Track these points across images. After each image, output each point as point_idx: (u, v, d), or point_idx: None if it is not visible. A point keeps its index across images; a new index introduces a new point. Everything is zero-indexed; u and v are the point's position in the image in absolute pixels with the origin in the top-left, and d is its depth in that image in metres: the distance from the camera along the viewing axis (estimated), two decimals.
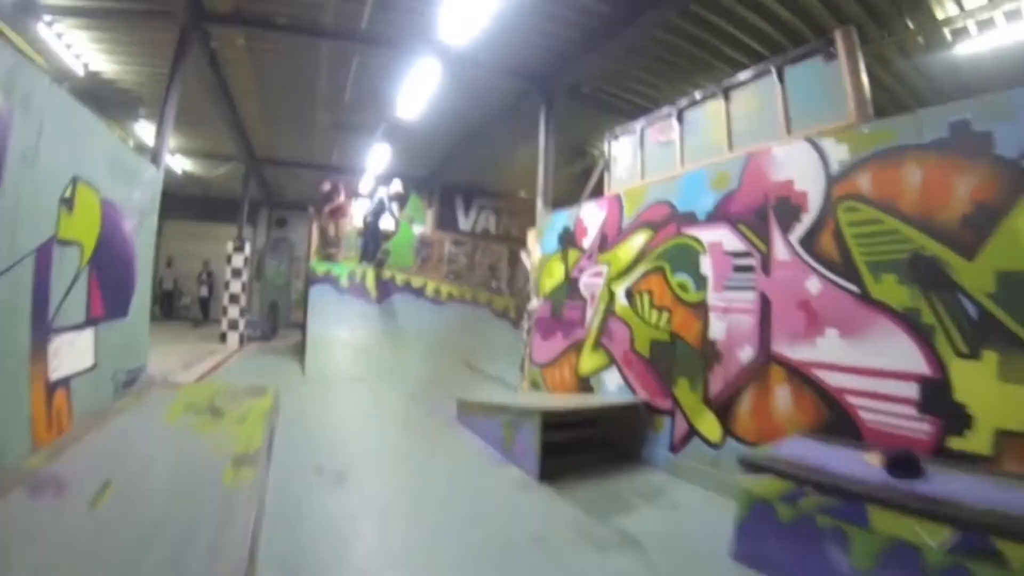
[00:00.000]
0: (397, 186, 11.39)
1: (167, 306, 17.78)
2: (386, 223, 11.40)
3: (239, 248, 13.15)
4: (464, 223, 16.00)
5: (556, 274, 7.13)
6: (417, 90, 7.61)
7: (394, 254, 11.69)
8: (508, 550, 3.21)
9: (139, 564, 1.87)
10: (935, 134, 3.45)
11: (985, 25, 6.06)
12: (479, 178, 14.77)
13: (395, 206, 11.27)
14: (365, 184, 13.32)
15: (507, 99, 9.44)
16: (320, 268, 10.92)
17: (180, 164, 14.25)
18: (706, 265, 4.92)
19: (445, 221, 15.55)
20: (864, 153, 3.84)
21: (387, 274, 11.34)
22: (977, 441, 3.05)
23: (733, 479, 3.47)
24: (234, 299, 12.86)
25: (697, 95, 5.95)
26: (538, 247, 7.69)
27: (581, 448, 5.21)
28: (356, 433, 6.05)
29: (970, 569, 2.29)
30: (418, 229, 13.95)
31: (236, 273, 13.03)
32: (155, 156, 6.27)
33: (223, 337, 12.65)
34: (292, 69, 8.71)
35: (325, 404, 7.29)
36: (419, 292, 11.75)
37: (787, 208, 4.29)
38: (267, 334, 14.99)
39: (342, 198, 11.79)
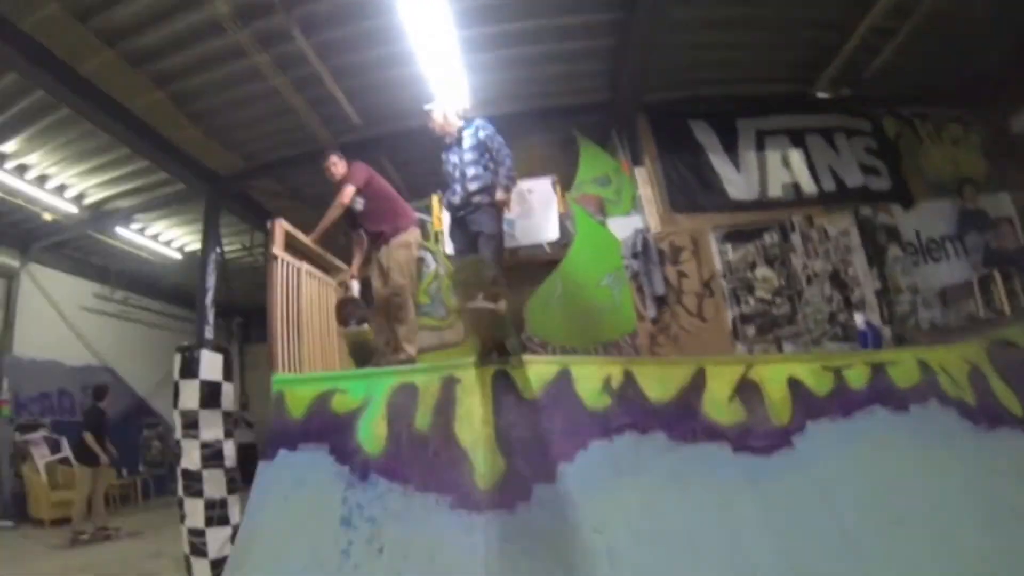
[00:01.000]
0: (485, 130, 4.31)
1: None
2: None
3: None
4: (741, 183, 6.04)
5: None
6: None
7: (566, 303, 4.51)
8: None
9: None
10: None
11: None
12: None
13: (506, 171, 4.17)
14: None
15: None
16: (303, 390, 3.42)
17: None
18: None
19: (685, 191, 6.07)
20: None
21: (534, 375, 3.03)
22: None
23: None
24: None
25: None
26: None
27: None
28: None
29: None
30: (623, 225, 5.74)
31: None
32: None
33: None
34: None
35: None
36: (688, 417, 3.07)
37: None
38: None
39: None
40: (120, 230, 8.67)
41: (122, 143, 6.30)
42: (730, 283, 5.32)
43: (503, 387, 3.08)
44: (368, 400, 3.34)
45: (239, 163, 7.05)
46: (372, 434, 3.13)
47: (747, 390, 2.98)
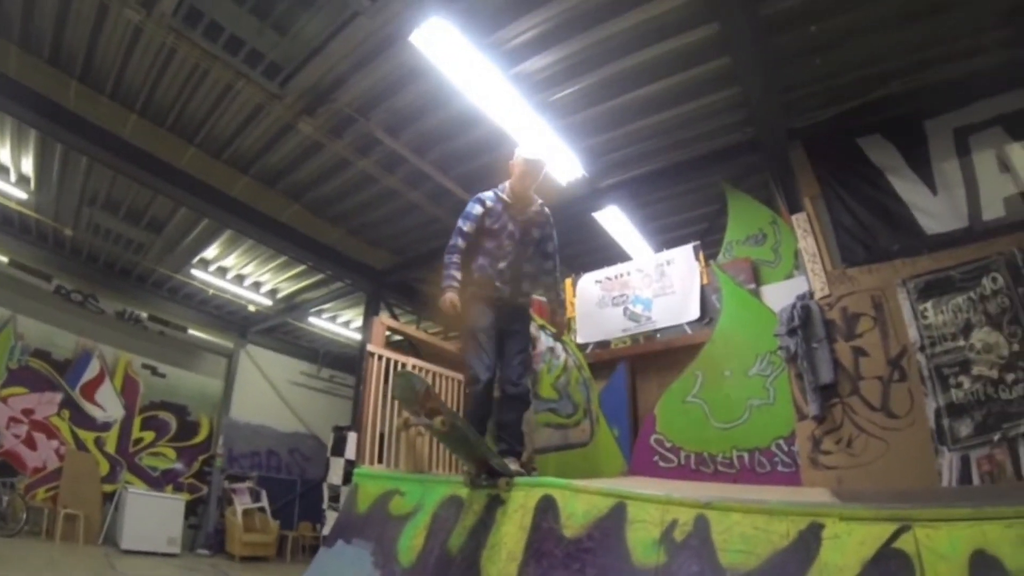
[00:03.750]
0: (532, 156, 3.59)
1: None
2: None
3: None
4: (941, 210, 4.22)
5: None
6: None
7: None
8: None
9: None
10: None
11: None
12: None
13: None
14: None
15: None
16: (372, 486, 3.39)
17: None
18: None
19: (860, 236, 4.40)
20: None
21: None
22: None
23: None
24: None
25: None
26: None
27: None
28: None
29: None
30: (785, 291, 4.52)
31: None
32: None
33: None
34: None
35: None
36: None
37: None
38: None
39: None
40: (313, 319, 10.38)
41: (279, 251, 7.57)
42: (932, 359, 3.79)
43: (547, 516, 2.58)
44: (419, 507, 3.12)
45: (390, 258, 7.81)
46: (410, 544, 2.93)
47: (887, 567, 1.92)
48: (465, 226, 3.46)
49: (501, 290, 3.44)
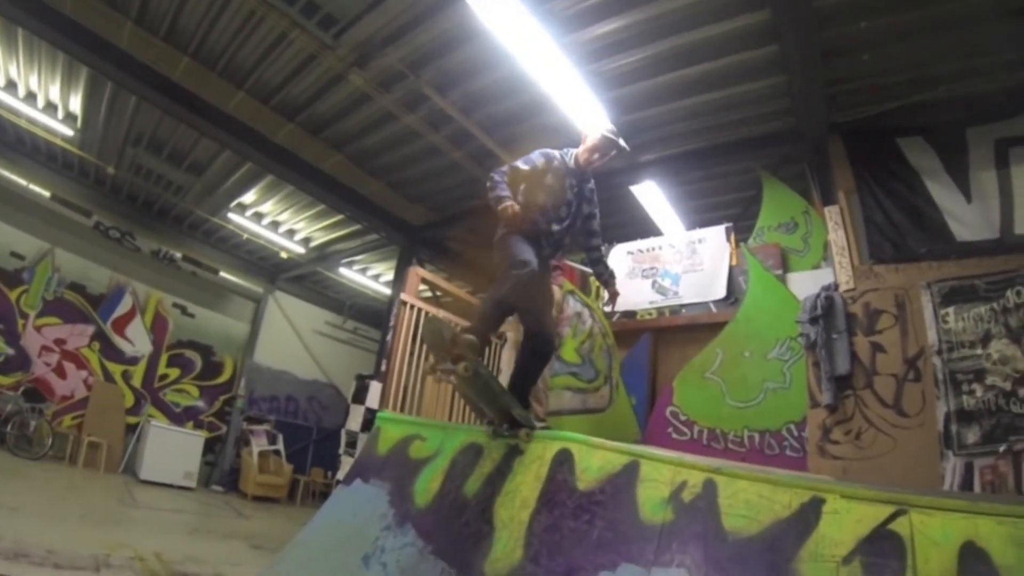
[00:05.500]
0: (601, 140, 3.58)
1: None
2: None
3: None
4: (974, 218, 4.27)
5: None
6: None
7: None
8: None
9: None
10: None
11: None
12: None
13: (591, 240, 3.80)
14: None
15: None
16: (394, 430, 3.56)
17: None
18: None
19: (891, 234, 4.49)
20: None
21: None
22: None
23: None
24: None
25: None
26: None
27: None
28: None
29: None
30: (810, 281, 4.60)
31: None
32: None
33: None
34: None
35: None
36: None
37: None
38: None
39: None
40: (343, 270, 10.54)
41: (318, 200, 7.65)
42: (948, 363, 3.84)
43: (563, 468, 2.75)
44: (439, 451, 3.31)
45: (427, 215, 7.88)
46: (427, 486, 3.11)
47: (880, 547, 2.05)
48: (521, 164, 3.40)
49: (543, 248, 3.44)
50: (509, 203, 3.11)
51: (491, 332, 3.20)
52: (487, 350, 4.88)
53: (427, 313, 4.24)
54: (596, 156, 3.56)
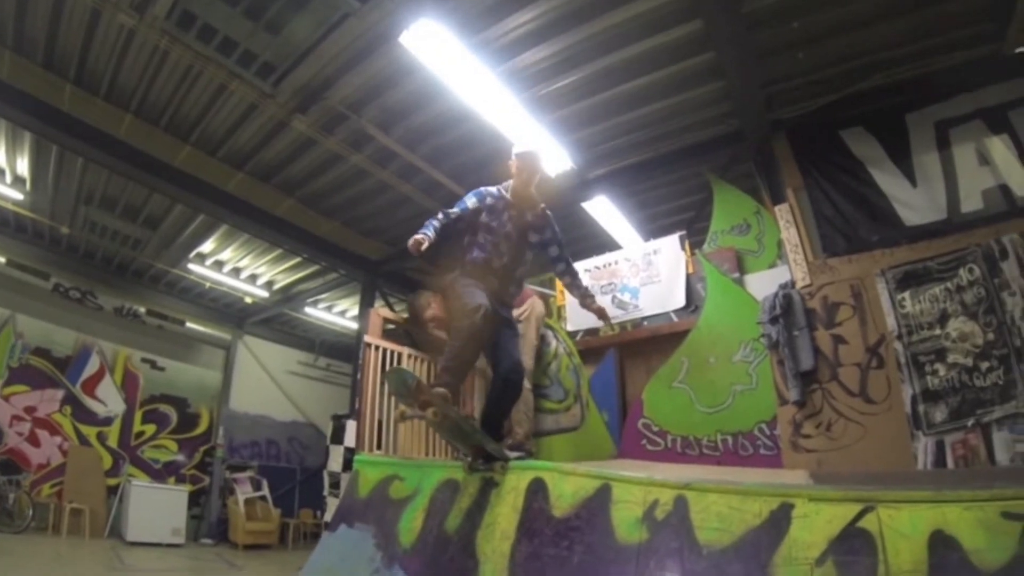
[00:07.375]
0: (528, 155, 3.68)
1: None
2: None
3: None
4: (920, 202, 4.47)
5: None
6: None
7: None
8: None
9: None
10: None
11: None
12: None
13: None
14: None
15: None
16: (372, 472, 3.54)
17: None
18: None
19: (841, 227, 4.70)
20: None
21: None
22: None
23: None
24: None
25: None
26: None
27: None
28: None
29: None
30: (768, 280, 4.67)
31: None
32: None
33: None
34: None
35: None
36: None
37: None
38: None
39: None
40: (309, 309, 10.48)
41: (276, 244, 7.74)
42: (909, 347, 3.94)
43: (538, 497, 2.74)
44: (418, 490, 3.28)
45: (385, 249, 7.93)
46: (410, 526, 3.09)
47: (851, 545, 2.07)
48: (452, 209, 3.44)
49: (492, 283, 3.45)
50: (413, 239, 3.16)
51: (461, 381, 3.21)
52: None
53: (393, 353, 4.20)
54: (526, 175, 3.57)
